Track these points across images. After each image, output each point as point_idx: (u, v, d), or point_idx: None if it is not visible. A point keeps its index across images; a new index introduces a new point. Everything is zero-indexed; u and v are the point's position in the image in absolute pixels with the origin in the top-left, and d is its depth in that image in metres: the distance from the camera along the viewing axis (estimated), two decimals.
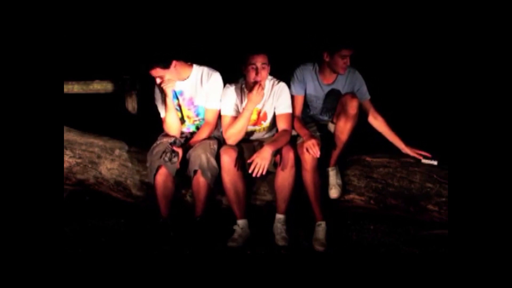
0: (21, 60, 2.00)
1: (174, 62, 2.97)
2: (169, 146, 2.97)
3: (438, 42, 3.96)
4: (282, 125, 3.06)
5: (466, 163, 2.01)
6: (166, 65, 2.95)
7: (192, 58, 3.15)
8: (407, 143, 3.18)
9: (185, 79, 3.09)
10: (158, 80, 3.00)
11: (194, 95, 3.12)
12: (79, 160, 3.29)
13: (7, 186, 1.94)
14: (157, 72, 2.96)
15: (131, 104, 3.78)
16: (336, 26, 3.86)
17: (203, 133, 3.10)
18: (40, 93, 2.02)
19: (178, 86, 3.10)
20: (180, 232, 2.95)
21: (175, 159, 2.94)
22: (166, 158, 2.93)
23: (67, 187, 3.35)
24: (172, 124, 3.10)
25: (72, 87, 3.72)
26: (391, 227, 3.13)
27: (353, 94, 3.01)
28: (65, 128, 3.33)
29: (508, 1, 2.01)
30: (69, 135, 3.35)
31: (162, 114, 3.16)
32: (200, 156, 2.93)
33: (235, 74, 3.12)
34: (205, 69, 3.11)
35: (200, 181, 2.95)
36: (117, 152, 3.32)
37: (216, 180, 2.99)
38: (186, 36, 4.24)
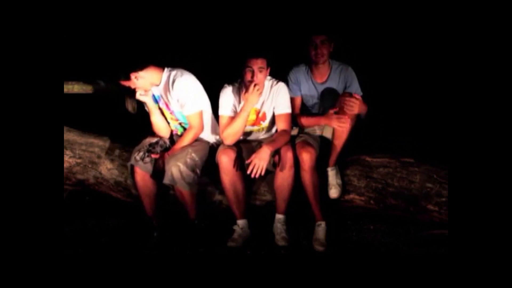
0: (22, 60, 2.00)
1: (133, 74, 2.91)
2: (146, 146, 2.98)
3: (438, 40, 3.96)
4: (281, 125, 3.06)
5: (466, 163, 2.01)
6: (126, 78, 2.92)
7: (160, 62, 3.05)
8: (407, 142, 3.18)
9: (158, 84, 3.03)
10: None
11: (167, 100, 3.07)
12: (79, 160, 3.29)
13: (7, 186, 1.95)
14: (123, 83, 2.96)
15: (131, 104, 3.78)
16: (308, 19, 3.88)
17: (187, 139, 3.01)
18: (40, 93, 2.02)
19: (155, 91, 3.06)
20: (166, 232, 2.96)
21: (147, 159, 2.93)
22: (138, 157, 2.93)
23: (67, 187, 3.35)
24: (158, 126, 3.11)
25: (72, 87, 3.72)
26: (391, 227, 3.13)
27: (351, 93, 3.01)
28: (65, 128, 3.33)
29: (508, 1, 2.01)
30: (69, 135, 3.35)
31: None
32: (171, 170, 2.86)
33: (235, 74, 3.12)
34: (172, 73, 2.99)
35: (182, 191, 2.91)
36: (117, 152, 3.32)
37: (215, 179, 3.00)
38: (144, 41, 4.20)
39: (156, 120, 3.10)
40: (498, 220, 1.94)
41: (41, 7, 2.04)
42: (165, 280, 2.52)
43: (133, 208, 3.31)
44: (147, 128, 3.25)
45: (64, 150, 3.27)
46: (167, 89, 3.01)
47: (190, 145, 3.00)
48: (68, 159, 3.27)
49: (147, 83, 2.97)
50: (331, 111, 2.96)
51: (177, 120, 3.15)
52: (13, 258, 1.93)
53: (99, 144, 3.35)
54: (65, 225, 3.12)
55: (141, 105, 3.74)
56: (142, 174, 2.95)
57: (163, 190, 3.08)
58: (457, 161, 2.03)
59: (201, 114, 3.03)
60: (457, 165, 2.03)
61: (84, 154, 3.30)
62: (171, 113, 3.13)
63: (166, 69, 3.02)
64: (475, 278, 1.93)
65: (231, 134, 3.00)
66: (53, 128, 2.05)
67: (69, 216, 3.24)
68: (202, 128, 3.06)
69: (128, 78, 2.91)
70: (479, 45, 2.02)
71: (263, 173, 2.87)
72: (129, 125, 3.75)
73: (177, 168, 2.86)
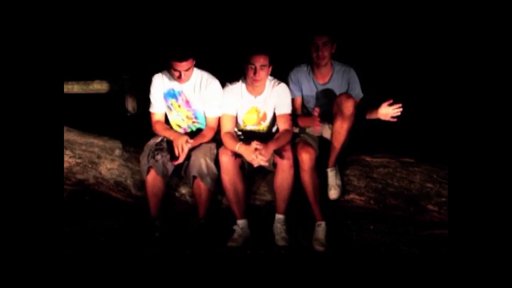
0: (22, 60, 2.00)
1: (192, 61, 2.99)
2: (153, 146, 2.99)
3: (438, 41, 3.96)
4: (282, 125, 3.06)
5: (466, 163, 2.01)
6: (194, 57, 2.98)
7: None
8: (406, 142, 3.20)
9: (187, 80, 3.07)
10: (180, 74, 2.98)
11: (191, 99, 3.11)
12: (79, 160, 3.29)
13: (7, 186, 1.94)
14: (187, 64, 2.94)
15: (131, 104, 3.79)
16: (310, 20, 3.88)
17: (206, 137, 3.08)
18: (40, 93, 2.02)
19: (178, 86, 3.10)
20: (167, 233, 2.96)
21: (158, 157, 2.94)
22: (150, 158, 2.95)
23: (67, 187, 3.35)
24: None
25: (72, 87, 3.73)
26: (391, 227, 3.13)
27: (348, 94, 3.01)
28: (65, 128, 3.33)
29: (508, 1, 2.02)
30: (69, 135, 3.35)
31: (153, 109, 3.16)
32: (200, 161, 2.92)
33: (236, 73, 3.12)
34: (204, 75, 3.10)
35: (201, 186, 2.95)
36: (117, 152, 3.32)
37: (217, 180, 2.99)
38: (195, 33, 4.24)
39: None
40: (498, 220, 1.94)
41: (45, 8, 2.04)
42: (165, 280, 2.52)
43: (133, 208, 3.31)
44: (147, 128, 3.25)
45: (64, 150, 3.27)
46: (196, 87, 3.08)
47: (208, 142, 3.08)
48: (68, 159, 3.27)
49: (189, 74, 3.03)
50: (316, 113, 2.95)
51: (195, 118, 3.17)
52: (14, 258, 1.93)
53: (99, 144, 3.35)
54: (65, 225, 3.11)
55: (141, 105, 3.75)
56: (155, 174, 2.96)
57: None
58: (457, 161, 2.03)
59: (219, 118, 3.11)
60: (457, 165, 2.03)
61: (84, 154, 3.30)
62: (189, 110, 3.15)
63: (196, 69, 3.09)
64: (475, 278, 1.93)
65: (227, 147, 3.00)
66: (53, 128, 2.05)
67: (69, 216, 3.24)
68: (215, 131, 3.12)
69: (194, 58, 2.97)
70: (479, 45, 2.03)
71: (266, 163, 2.86)
72: (129, 125, 3.75)
73: (205, 162, 2.92)
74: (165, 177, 2.98)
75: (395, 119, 3.03)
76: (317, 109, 2.97)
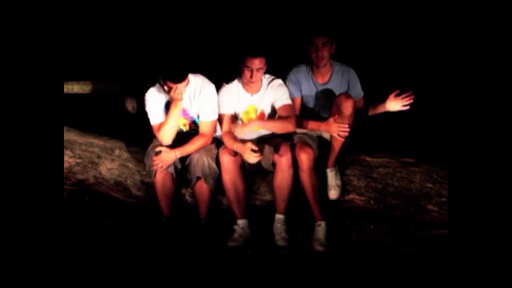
0: (22, 60, 2.00)
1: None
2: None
3: (438, 41, 3.96)
4: (284, 115, 3.04)
5: (466, 163, 2.01)
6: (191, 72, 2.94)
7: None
8: (406, 141, 3.20)
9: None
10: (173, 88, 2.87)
11: (188, 106, 3.06)
12: (79, 160, 3.29)
13: (7, 186, 1.95)
14: (184, 82, 2.87)
15: (131, 104, 3.79)
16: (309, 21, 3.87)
17: (195, 146, 2.99)
18: (40, 93, 2.02)
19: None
20: (183, 231, 2.96)
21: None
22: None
23: (67, 187, 3.35)
24: (170, 133, 2.99)
25: (72, 87, 3.73)
26: (391, 227, 3.13)
27: (347, 94, 3.00)
28: (65, 128, 3.33)
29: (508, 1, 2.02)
30: (69, 135, 3.36)
31: (156, 121, 3.03)
32: (203, 162, 2.91)
33: (233, 72, 3.12)
34: (199, 81, 3.02)
35: (204, 187, 2.94)
36: (117, 152, 3.32)
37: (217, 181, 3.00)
38: (190, 40, 4.22)
39: (172, 126, 2.97)
40: (498, 220, 1.94)
41: (45, 8, 2.04)
42: (165, 280, 2.52)
43: (133, 208, 3.31)
44: (147, 128, 3.25)
45: (64, 150, 3.27)
46: (191, 94, 3.02)
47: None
48: (68, 159, 3.27)
49: (185, 86, 2.93)
50: (332, 119, 2.94)
51: (193, 124, 3.13)
52: (14, 258, 1.93)
53: (99, 144, 3.35)
54: (65, 225, 3.11)
55: (141, 105, 3.75)
56: (165, 174, 2.95)
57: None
58: (457, 161, 2.03)
59: (215, 123, 3.06)
60: (457, 165, 2.03)
61: (84, 154, 3.30)
62: (186, 119, 3.11)
63: (191, 76, 2.99)
64: (475, 278, 1.93)
65: (227, 145, 3.00)
66: (53, 128, 2.05)
67: (69, 216, 3.24)
68: (211, 138, 3.06)
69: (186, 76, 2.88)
70: (479, 45, 2.03)
71: (258, 157, 2.85)
72: (129, 125, 3.75)
73: (207, 161, 2.92)
74: (174, 172, 2.97)
75: (407, 107, 3.04)
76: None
